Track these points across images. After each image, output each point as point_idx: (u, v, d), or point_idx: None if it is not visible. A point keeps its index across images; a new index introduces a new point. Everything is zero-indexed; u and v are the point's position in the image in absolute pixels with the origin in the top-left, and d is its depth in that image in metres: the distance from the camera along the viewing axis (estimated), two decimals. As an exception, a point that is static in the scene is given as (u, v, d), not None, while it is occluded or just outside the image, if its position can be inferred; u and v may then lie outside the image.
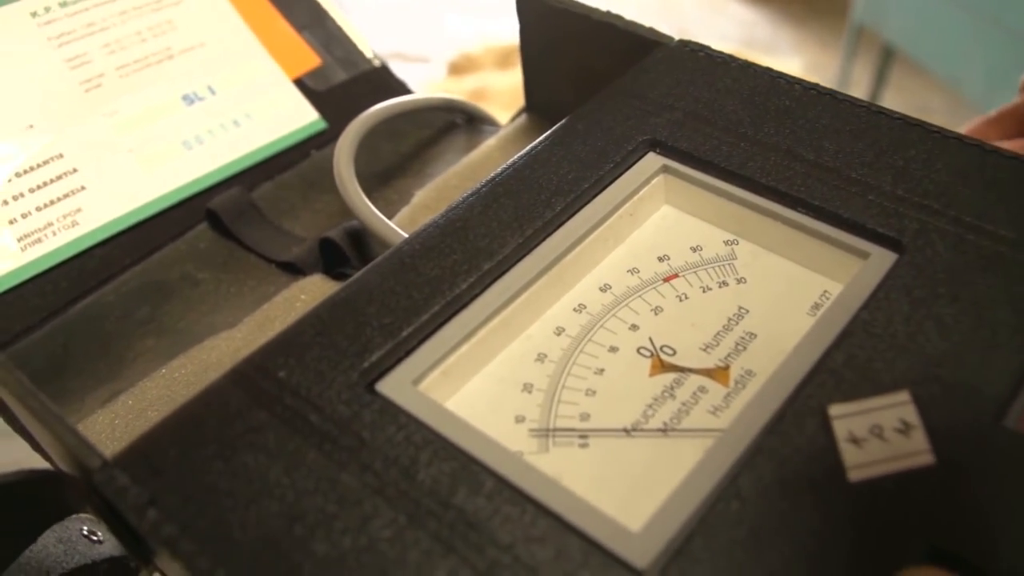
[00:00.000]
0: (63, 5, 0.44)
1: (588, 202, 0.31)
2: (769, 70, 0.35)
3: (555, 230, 0.30)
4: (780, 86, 0.35)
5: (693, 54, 0.36)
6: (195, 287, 0.39)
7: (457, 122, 0.47)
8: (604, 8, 0.38)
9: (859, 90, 1.78)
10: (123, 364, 0.37)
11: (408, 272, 0.29)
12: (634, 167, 0.32)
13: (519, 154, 0.32)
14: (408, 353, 0.27)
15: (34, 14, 0.43)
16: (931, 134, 0.32)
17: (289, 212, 0.42)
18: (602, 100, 0.35)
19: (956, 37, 1.40)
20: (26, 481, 0.28)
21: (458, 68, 1.94)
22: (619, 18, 0.38)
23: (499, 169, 0.32)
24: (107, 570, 0.35)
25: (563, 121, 0.34)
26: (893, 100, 1.83)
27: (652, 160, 0.32)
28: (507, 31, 1.97)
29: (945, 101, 1.89)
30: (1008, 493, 0.22)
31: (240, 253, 0.41)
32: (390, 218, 0.37)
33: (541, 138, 0.33)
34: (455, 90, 1.27)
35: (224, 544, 0.22)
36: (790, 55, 2.10)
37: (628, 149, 0.32)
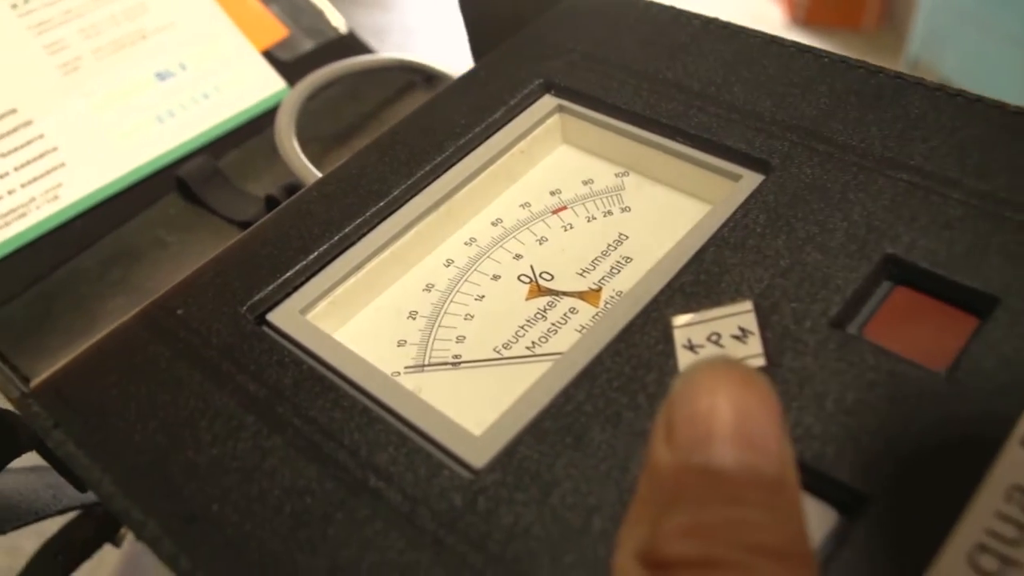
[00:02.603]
0: (42, -5, 0.47)
1: (480, 143, 0.33)
2: (672, 8, 0.37)
3: (446, 171, 0.32)
4: (679, 22, 0.36)
5: (602, -2, 0.38)
6: (164, 249, 0.43)
7: (416, 81, 0.49)
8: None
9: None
10: (95, 320, 0.40)
11: (303, 216, 0.31)
12: (529, 109, 0.34)
13: (422, 104, 0.35)
14: (296, 287, 0.29)
15: (14, 6, 0.46)
16: (819, 59, 0.33)
17: (253, 176, 0.45)
18: (506, 47, 0.36)
19: (1012, 74, 1.37)
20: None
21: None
22: (535, -33, 0.40)
23: (400, 119, 0.34)
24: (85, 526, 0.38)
25: (467, 70, 0.36)
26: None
27: (547, 101, 0.34)
28: None
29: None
30: (836, 391, 0.24)
31: (207, 217, 0.44)
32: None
33: (442, 87, 0.35)
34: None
35: (113, 457, 0.25)
36: None
37: (523, 92, 0.34)
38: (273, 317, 0.29)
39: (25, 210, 0.43)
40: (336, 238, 0.30)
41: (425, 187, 0.32)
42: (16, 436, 0.33)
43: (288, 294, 0.29)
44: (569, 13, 0.37)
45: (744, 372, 0.18)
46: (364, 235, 0.31)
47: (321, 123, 0.47)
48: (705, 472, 0.17)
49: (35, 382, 0.28)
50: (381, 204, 0.31)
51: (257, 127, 0.47)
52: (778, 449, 0.17)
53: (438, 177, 0.32)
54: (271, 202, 0.41)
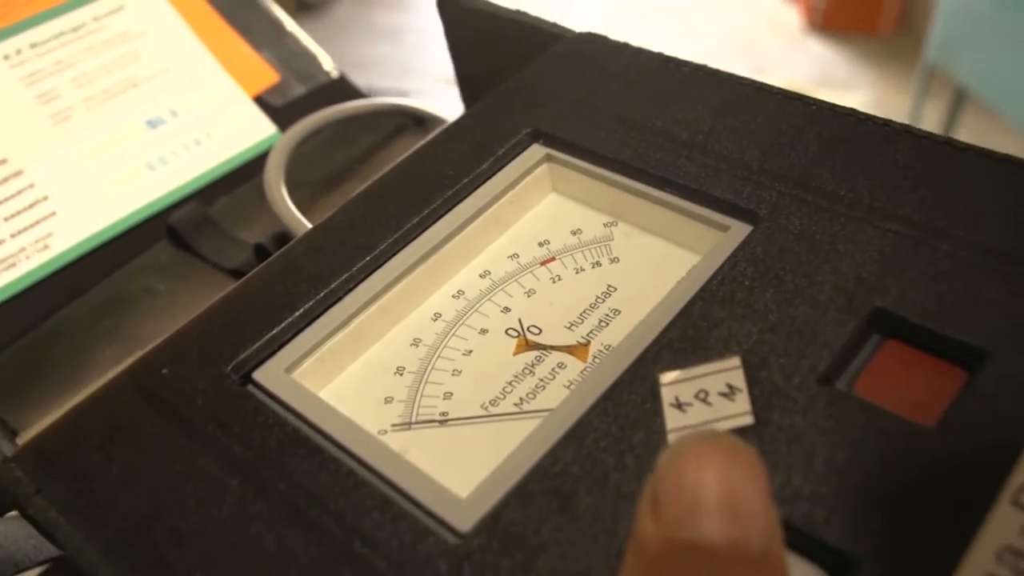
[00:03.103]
0: (33, 46, 0.47)
1: (469, 194, 0.33)
2: (661, 55, 0.37)
3: (434, 223, 0.32)
4: (668, 69, 0.36)
5: (590, 45, 0.38)
6: (155, 298, 0.42)
7: (407, 124, 0.49)
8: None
9: (929, 130, 1.75)
10: (87, 371, 0.40)
11: (290, 271, 0.31)
12: (517, 158, 0.34)
13: (409, 153, 0.35)
14: (282, 345, 0.29)
15: (6, 57, 0.47)
16: (808, 107, 0.33)
17: (244, 222, 0.45)
18: (494, 96, 0.36)
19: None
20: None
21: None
22: (524, 14, 0.40)
23: (386, 169, 0.34)
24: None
25: (455, 119, 0.36)
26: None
27: (535, 151, 0.34)
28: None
29: (1019, 145, 1.84)
30: (825, 449, 0.23)
31: (198, 264, 0.43)
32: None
33: (429, 136, 0.35)
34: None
35: (95, 524, 0.25)
36: (862, 93, 2.05)
37: (512, 142, 0.34)
38: (259, 376, 0.28)
39: (15, 260, 0.43)
40: (322, 294, 0.30)
41: (413, 240, 0.32)
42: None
43: (274, 352, 0.29)
44: (557, 60, 0.37)
45: (731, 444, 0.18)
46: (351, 290, 0.30)
47: (311, 168, 0.47)
48: (691, 546, 0.17)
49: (21, 441, 0.28)
50: (368, 258, 0.31)
51: (248, 173, 0.47)
52: (765, 522, 0.17)
53: (426, 229, 0.32)
54: (260, 251, 0.41)
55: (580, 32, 0.39)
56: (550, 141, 0.34)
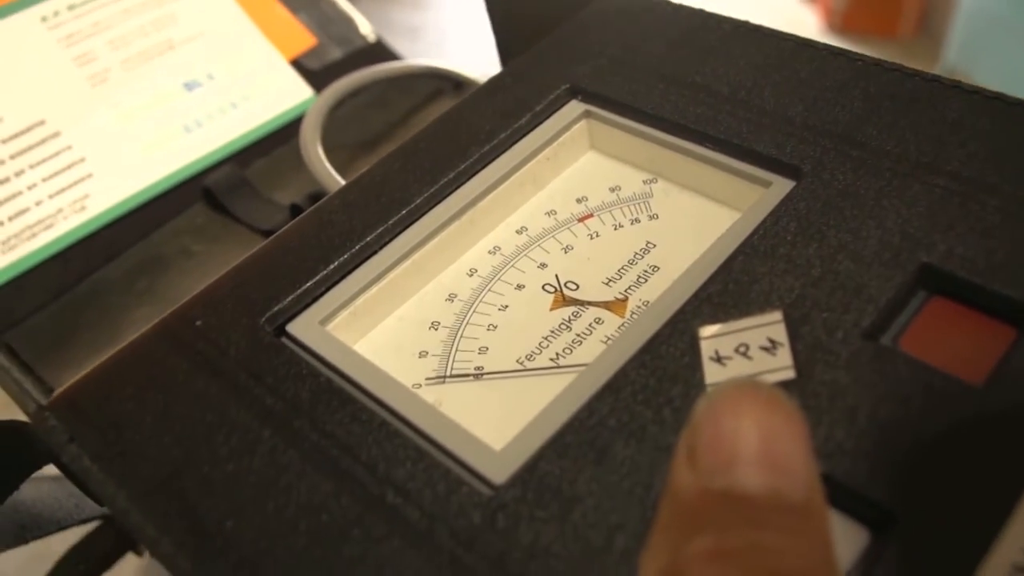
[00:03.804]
0: (71, 8, 0.47)
1: (506, 150, 0.32)
2: (702, 11, 0.36)
3: (470, 178, 0.32)
4: (709, 25, 0.35)
5: (629, 2, 0.37)
6: (189, 259, 0.42)
7: (444, 88, 0.48)
8: None
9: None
10: (120, 331, 0.40)
11: (324, 226, 0.31)
12: (555, 115, 0.33)
13: (446, 111, 0.34)
14: (316, 298, 0.29)
15: (44, 19, 0.47)
16: (853, 62, 0.33)
17: (280, 184, 0.45)
18: (532, 52, 0.36)
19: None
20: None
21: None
22: (563, -27, 0.39)
23: (425, 125, 0.34)
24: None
25: (493, 75, 0.35)
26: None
27: (574, 107, 0.34)
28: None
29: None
30: (869, 405, 0.23)
31: (233, 225, 0.43)
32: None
33: (468, 93, 0.35)
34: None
35: (128, 472, 0.25)
36: None
37: (550, 98, 0.34)
38: (292, 328, 0.28)
39: (52, 221, 0.43)
40: (357, 247, 0.30)
41: (449, 195, 0.31)
42: (33, 449, 0.33)
43: (308, 305, 0.29)
44: (597, 17, 0.37)
45: (770, 393, 0.17)
46: (386, 244, 0.30)
47: (348, 131, 0.47)
48: (728, 496, 0.16)
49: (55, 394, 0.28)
50: (403, 212, 0.30)
51: (284, 136, 0.47)
52: (804, 472, 0.16)
53: (462, 185, 0.31)
54: (296, 211, 0.41)
55: (620, -11, 0.38)
56: (588, 97, 0.34)
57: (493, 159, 0.32)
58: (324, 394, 0.26)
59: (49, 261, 0.42)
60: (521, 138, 0.33)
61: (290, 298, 0.29)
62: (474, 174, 0.32)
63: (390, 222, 0.30)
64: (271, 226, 0.42)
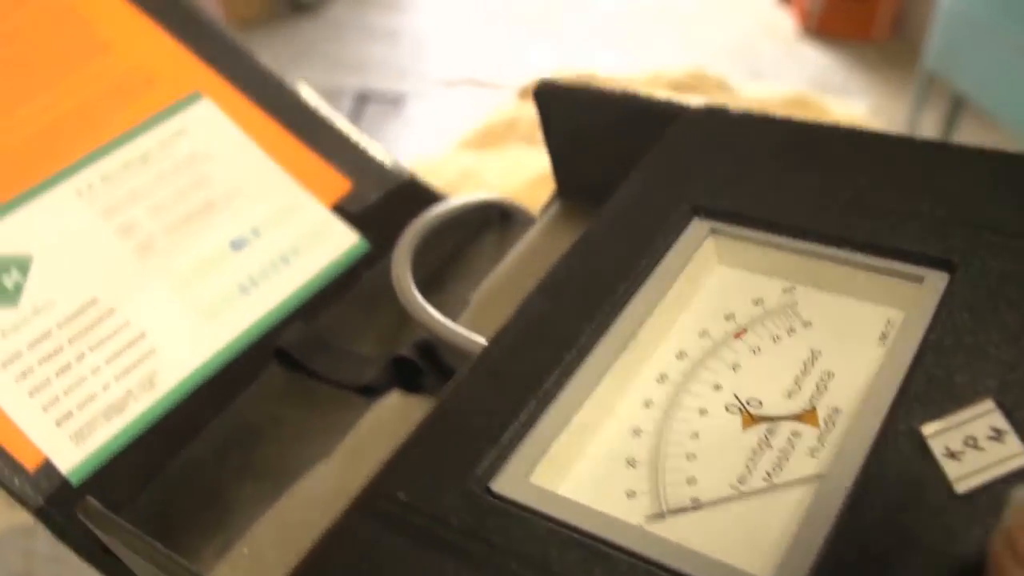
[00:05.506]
0: (104, 179, 0.46)
1: (647, 277, 0.33)
2: (789, 121, 0.37)
3: (622, 310, 0.32)
4: (803, 133, 0.36)
5: (712, 118, 0.38)
6: (280, 426, 0.41)
7: (492, 217, 0.49)
8: (621, 79, 0.40)
9: (927, 136, 1.78)
10: (229, 513, 0.38)
11: (498, 377, 0.30)
12: (683, 235, 0.34)
13: (571, 246, 0.34)
14: (513, 451, 0.28)
15: (79, 192, 0.45)
16: (962, 153, 0.34)
17: (354, 335, 0.44)
18: (636, 178, 0.36)
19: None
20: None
21: (527, 93, 1.91)
22: (635, 96, 0.40)
23: (555, 263, 0.34)
24: None
25: (604, 206, 0.36)
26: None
27: (698, 225, 0.34)
28: (594, 62, 1.96)
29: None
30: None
31: (315, 385, 0.42)
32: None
33: (587, 228, 0.35)
34: (522, 114, 1.23)
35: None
36: (859, 99, 2.08)
37: (673, 220, 0.34)
38: (499, 486, 0.27)
39: (123, 404, 0.41)
40: (540, 394, 0.29)
41: (609, 329, 0.31)
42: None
43: (506, 458, 0.28)
44: (686, 136, 0.38)
45: None
46: (565, 385, 0.30)
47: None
48: None
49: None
50: (573, 353, 0.30)
51: (342, 285, 0.46)
52: None
53: (618, 317, 0.31)
54: (400, 363, 0.40)
55: (697, 107, 0.39)
56: (710, 214, 0.34)
57: (639, 287, 0.32)
58: (557, 546, 0.25)
59: (128, 449, 0.40)
60: (657, 263, 0.33)
61: (489, 455, 0.28)
62: (625, 304, 0.32)
63: (564, 364, 0.30)
64: (366, 381, 0.41)
